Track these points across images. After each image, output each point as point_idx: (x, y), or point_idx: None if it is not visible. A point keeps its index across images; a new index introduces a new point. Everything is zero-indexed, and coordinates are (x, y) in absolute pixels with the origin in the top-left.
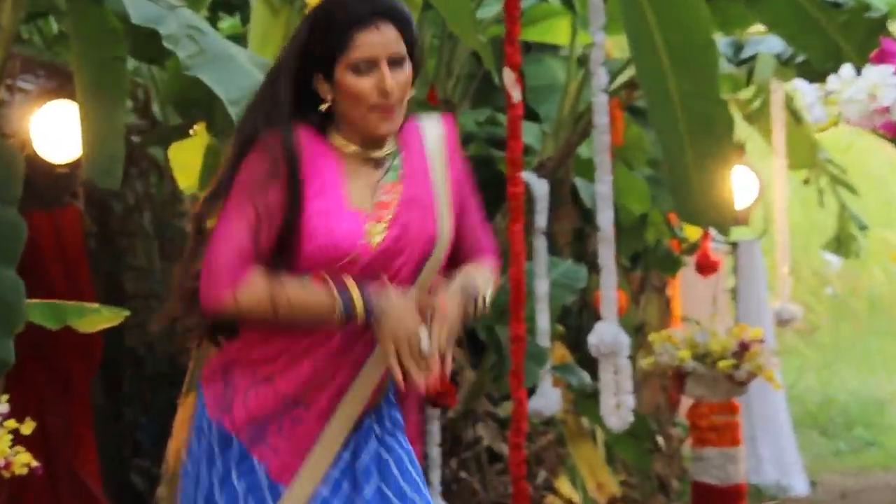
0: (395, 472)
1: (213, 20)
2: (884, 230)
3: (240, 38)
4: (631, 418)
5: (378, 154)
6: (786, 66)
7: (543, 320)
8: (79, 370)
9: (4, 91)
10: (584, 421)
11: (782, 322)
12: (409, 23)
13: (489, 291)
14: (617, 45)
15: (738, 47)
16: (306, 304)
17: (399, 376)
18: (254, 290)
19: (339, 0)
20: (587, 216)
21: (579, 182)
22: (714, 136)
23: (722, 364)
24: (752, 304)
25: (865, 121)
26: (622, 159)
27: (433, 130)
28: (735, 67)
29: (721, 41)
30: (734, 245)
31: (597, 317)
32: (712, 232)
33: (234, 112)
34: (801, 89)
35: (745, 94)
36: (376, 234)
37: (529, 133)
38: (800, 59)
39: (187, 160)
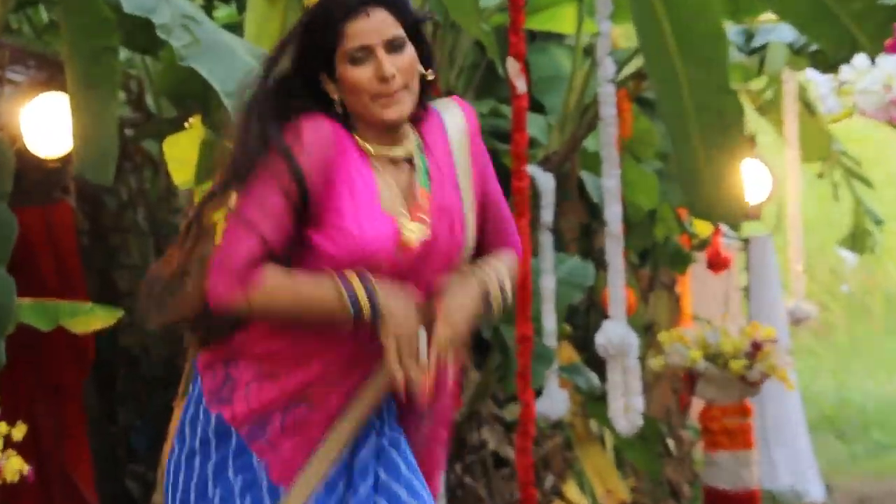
0: (395, 457)
1: (208, 9)
2: None
3: (236, 28)
4: (640, 421)
5: (401, 153)
6: (798, 55)
7: (550, 320)
8: (71, 371)
9: None
10: (593, 424)
11: (796, 321)
12: (403, 3)
13: (506, 285)
14: (624, 35)
15: (749, 36)
16: (316, 301)
17: (398, 376)
18: (267, 288)
19: None
20: (594, 211)
21: (586, 176)
22: (725, 128)
23: (734, 364)
24: (765, 303)
25: (881, 112)
26: (630, 152)
27: (454, 122)
28: (746, 57)
29: (731, 29)
30: (746, 241)
31: (605, 316)
32: (723, 227)
33: (231, 104)
34: (815, 79)
35: (757, 84)
36: (408, 241)
37: (534, 125)
38: (813, 48)
39: (183, 154)
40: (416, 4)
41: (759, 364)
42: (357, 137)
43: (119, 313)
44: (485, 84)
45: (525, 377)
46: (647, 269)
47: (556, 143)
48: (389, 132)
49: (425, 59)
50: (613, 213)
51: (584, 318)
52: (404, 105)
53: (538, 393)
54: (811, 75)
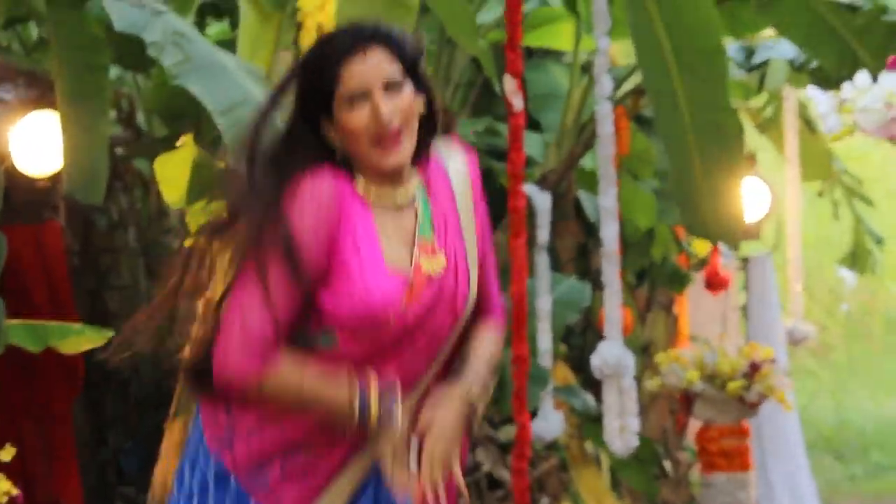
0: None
1: (200, 25)
2: None
3: (229, 44)
4: (636, 442)
5: (404, 199)
6: (799, 72)
7: (545, 340)
8: (61, 393)
9: None
10: (588, 445)
11: (795, 341)
12: (401, 41)
13: (489, 389)
14: (622, 52)
15: (749, 52)
16: (325, 400)
17: (393, 480)
18: (281, 375)
19: (326, 36)
20: (591, 231)
21: (583, 195)
22: (724, 146)
23: (732, 385)
24: (764, 323)
25: (882, 130)
26: (628, 171)
27: (457, 167)
28: (746, 74)
29: (731, 46)
30: (745, 260)
31: (601, 336)
32: (722, 247)
33: (223, 123)
34: (815, 97)
35: (757, 101)
36: (413, 299)
37: (531, 143)
38: (813, 65)
39: (174, 173)
40: (412, 21)
41: (756, 385)
42: (358, 184)
43: (108, 334)
44: (481, 101)
45: (521, 398)
46: (644, 289)
47: (553, 162)
48: (391, 176)
49: (425, 95)
50: (610, 233)
51: (580, 338)
52: (403, 149)
53: (533, 414)
54: (812, 93)
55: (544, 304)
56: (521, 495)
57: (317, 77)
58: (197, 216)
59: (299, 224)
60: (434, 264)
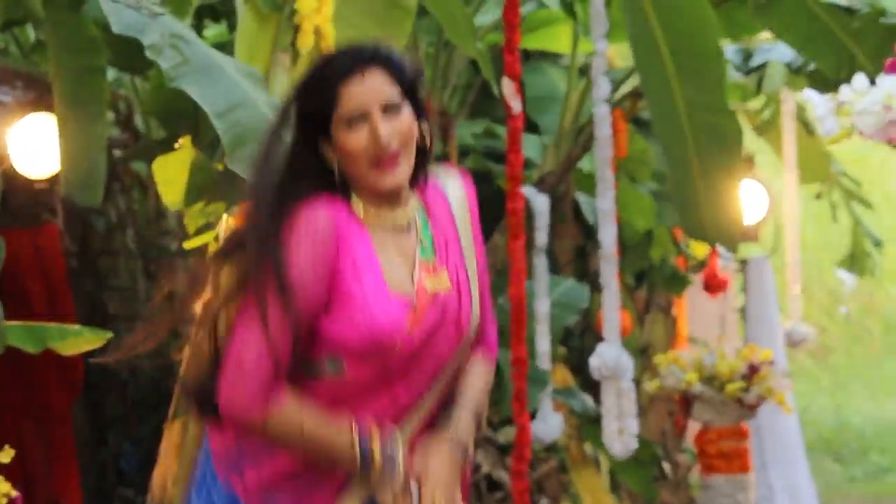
0: None
1: (198, 28)
2: None
3: (226, 46)
4: (634, 444)
5: (403, 220)
6: (797, 75)
7: (544, 342)
8: (60, 394)
9: None
10: (588, 447)
11: (794, 343)
12: (401, 63)
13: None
14: (620, 54)
15: (747, 55)
16: (327, 445)
17: None
18: (284, 416)
19: (325, 57)
20: (589, 233)
21: (581, 197)
22: (722, 149)
23: (731, 387)
24: (762, 325)
25: (880, 133)
26: (626, 173)
27: (455, 192)
28: (744, 76)
29: (729, 49)
30: (743, 263)
31: (599, 338)
32: (720, 249)
33: (220, 126)
34: (813, 100)
35: (755, 104)
36: (418, 320)
37: (529, 146)
38: (811, 67)
39: (172, 175)
40: (410, 24)
41: (755, 387)
42: (356, 206)
43: (107, 335)
44: (479, 104)
45: (521, 400)
46: (642, 291)
47: (551, 164)
48: (390, 197)
49: (419, 115)
50: (608, 235)
51: (578, 340)
52: (401, 170)
53: (532, 416)
54: (810, 95)
55: (543, 306)
56: (520, 497)
57: (316, 98)
58: (195, 218)
59: (297, 261)
60: (437, 283)
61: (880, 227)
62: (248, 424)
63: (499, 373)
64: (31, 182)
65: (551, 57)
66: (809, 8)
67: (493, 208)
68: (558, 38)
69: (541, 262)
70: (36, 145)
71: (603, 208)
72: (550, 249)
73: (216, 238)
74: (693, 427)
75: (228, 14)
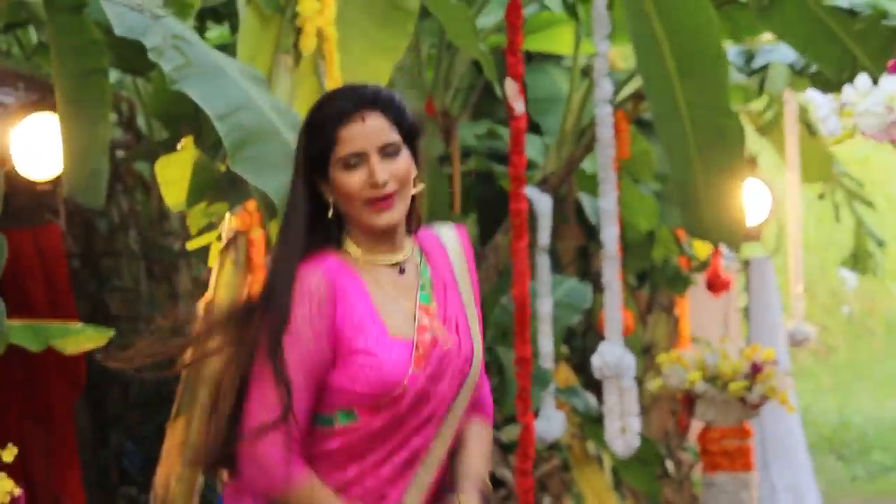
0: None
1: (200, 29)
2: None
3: (229, 48)
4: (637, 443)
5: (400, 259)
6: (799, 76)
7: (547, 342)
8: (62, 393)
9: None
10: (591, 446)
11: (796, 342)
12: (401, 108)
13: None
14: (622, 55)
15: (749, 56)
16: None
17: None
18: (302, 496)
19: (328, 97)
20: (592, 233)
21: (583, 198)
22: (724, 149)
23: (733, 386)
24: (765, 324)
25: (882, 133)
26: (628, 174)
27: (451, 243)
28: (746, 77)
29: (731, 50)
30: (746, 262)
31: (602, 337)
32: (723, 249)
33: (222, 128)
34: (815, 100)
35: (757, 105)
36: (421, 359)
37: (531, 147)
38: (814, 68)
39: (175, 176)
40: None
41: (758, 386)
42: (348, 243)
43: (110, 333)
44: (482, 105)
45: (524, 399)
46: (645, 291)
47: (554, 165)
48: (385, 238)
49: (417, 161)
50: (610, 235)
51: (581, 339)
52: (396, 210)
53: (535, 415)
54: (812, 96)
55: (545, 306)
56: (524, 495)
57: (316, 137)
58: (198, 218)
59: (300, 329)
60: (437, 324)
61: (883, 227)
62: (272, 497)
63: (502, 372)
64: (34, 183)
65: (554, 58)
66: (811, 10)
67: (495, 209)
68: (561, 40)
69: (543, 263)
70: (38, 147)
71: (605, 209)
72: (553, 250)
73: (218, 238)
74: (696, 426)
75: (231, 16)
